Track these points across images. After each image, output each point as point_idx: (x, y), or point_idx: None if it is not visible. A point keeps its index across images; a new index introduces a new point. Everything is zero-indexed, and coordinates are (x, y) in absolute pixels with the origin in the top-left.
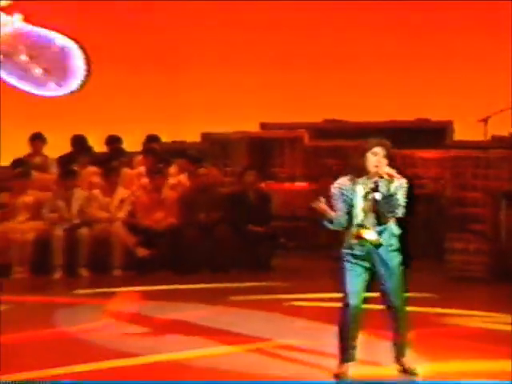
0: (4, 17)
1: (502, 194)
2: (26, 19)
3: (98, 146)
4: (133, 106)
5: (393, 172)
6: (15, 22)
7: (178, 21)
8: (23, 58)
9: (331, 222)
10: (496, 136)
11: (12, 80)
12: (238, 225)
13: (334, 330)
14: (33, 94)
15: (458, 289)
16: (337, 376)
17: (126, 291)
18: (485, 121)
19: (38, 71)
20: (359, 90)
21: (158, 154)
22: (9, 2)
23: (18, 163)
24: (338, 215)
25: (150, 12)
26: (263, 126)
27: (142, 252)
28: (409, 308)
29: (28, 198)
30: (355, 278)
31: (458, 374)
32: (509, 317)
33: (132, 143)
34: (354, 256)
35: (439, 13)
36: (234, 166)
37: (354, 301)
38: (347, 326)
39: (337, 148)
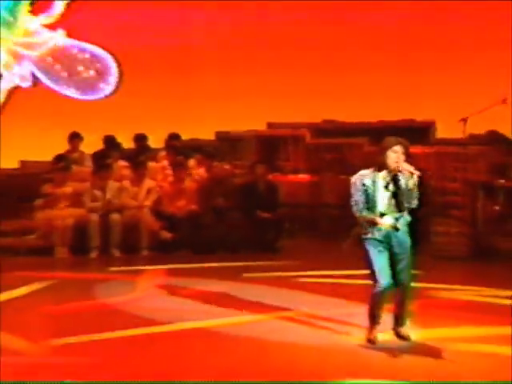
0: (49, 32)
1: (479, 185)
2: (68, 34)
3: (127, 143)
4: (156, 108)
5: (411, 169)
6: (58, 37)
7: (194, 32)
8: (65, 67)
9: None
10: (473, 134)
11: (56, 87)
12: (249, 211)
13: (334, 301)
14: (73, 99)
15: (441, 266)
16: (370, 340)
17: (152, 269)
18: (464, 121)
19: (77, 79)
20: (353, 94)
21: (179, 149)
22: (52, 19)
23: (59, 158)
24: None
25: (169, 24)
26: (270, 125)
27: (165, 235)
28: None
29: (68, 188)
30: (381, 259)
31: (444, 339)
32: (486, 290)
33: (156, 141)
34: (377, 239)
35: (425, 27)
36: (244, 160)
37: (384, 278)
38: (379, 300)
39: (334, 145)
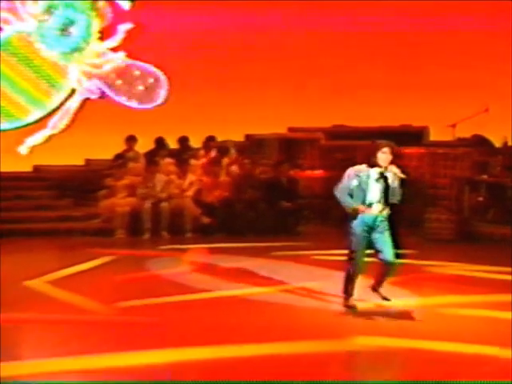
0: (112, 54)
1: (465, 180)
2: (128, 55)
3: (173, 144)
4: (196, 115)
5: (398, 171)
6: (120, 58)
7: (227, 46)
8: (125, 82)
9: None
10: (461, 138)
11: (117, 98)
12: (274, 201)
13: (342, 275)
14: (131, 108)
15: (433, 247)
16: (349, 306)
17: (194, 248)
18: (453, 126)
19: (134, 91)
20: (360, 105)
21: (215, 149)
22: (115, 44)
23: (118, 157)
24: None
25: (202, 40)
26: (290, 129)
27: (205, 220)
28: (397, 261)
29: (125, 181)
30: (361, 241)
31: (437, 305)
32: (470, 266)
33: (196, 142)
34: (363, 224)
35: (420, 45)
36: (269, 159)
37: (358, 256)
38: (353, 274)
39: (344, 146)
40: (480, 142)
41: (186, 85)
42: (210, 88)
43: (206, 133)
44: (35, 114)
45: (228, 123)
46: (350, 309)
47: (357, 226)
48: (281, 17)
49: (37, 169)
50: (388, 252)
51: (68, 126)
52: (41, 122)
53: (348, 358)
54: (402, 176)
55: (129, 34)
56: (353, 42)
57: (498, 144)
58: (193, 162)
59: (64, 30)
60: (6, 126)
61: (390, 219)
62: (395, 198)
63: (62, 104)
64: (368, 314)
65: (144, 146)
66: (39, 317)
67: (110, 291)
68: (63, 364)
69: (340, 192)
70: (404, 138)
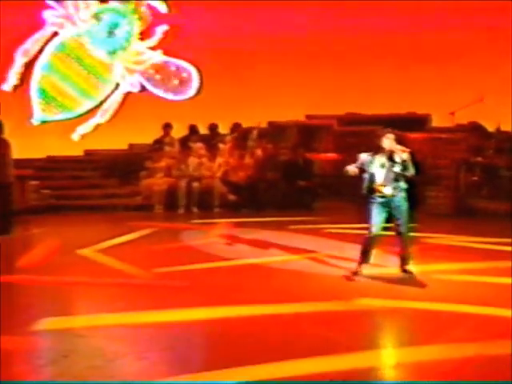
0: (151, 52)
1: (462, 161)
2: (165, 53)
3: (204, 130)
4: (223, 105)
5: (402, 147)
6: (158, 55)
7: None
8: (162, 77)
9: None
10: (459, 124)
11: (155, 91)
12: (292, 180)
13: (355, 247)
14: (167, 99)
15: (433, 221)
16: (354, 273)
17: (222, 222)
18: (452, 114)
19: (170, 85)
20: (370, 93)
21: (241, 134)
22: (154, 43)
23: (156, 142)
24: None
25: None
26: (308, 116)
27: (231, 197)
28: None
29: (162, 163)
30: (377, 216)
31: (432, 271)
32: (467, 237)
33: (224, 128)
34: (378, 202)
35: (425, 40)
36: (288, 143)
37: (374, 230)
38: (368, 245)
39: (355, 132)
40: (475, 128)
41: (216, 78)
42: (236, 80)
43: (232, 120)
44: (85, 106)
45: (252, 111)
46: (356, 274)
47: (373, 202)
48: (300, 15)
49: (87, 153)
50: (402, 226)
51: (113, 116)
52: (90, 113)
53: (351, 316)
54: (407, 150)
55: (165, 34)
56: (364, 38)
57: (491, 129)
58: (221, 146)
59: (110, 32)
60: (61, 116)
61: (407, 195)
62: (409, 172)
63: (108, 97)
64: (372, 279)
65: (179, 132)
66: (90, 280)
67: (148, 259)
68: (109, 319)
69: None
70: (409, 124)
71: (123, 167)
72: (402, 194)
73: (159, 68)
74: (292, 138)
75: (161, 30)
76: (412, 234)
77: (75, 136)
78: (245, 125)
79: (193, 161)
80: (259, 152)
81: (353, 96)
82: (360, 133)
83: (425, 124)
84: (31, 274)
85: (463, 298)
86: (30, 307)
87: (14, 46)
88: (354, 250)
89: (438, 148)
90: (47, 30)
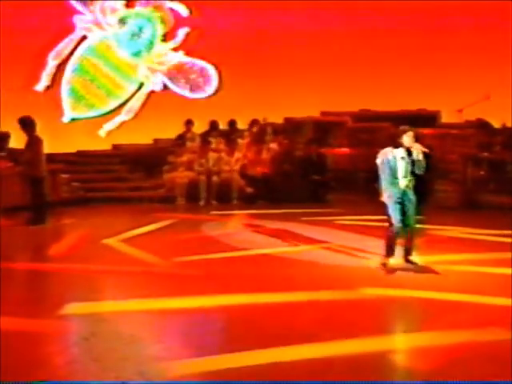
0: (173, 53)
1: (470, 157)
2: (186, 53)
3: (223, 126)
4: (242, 102)
5: (420, 146)
6: (179, 56)
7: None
8: (183, 76)
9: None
10: (467, 120)
11: (177, 89)
12: (306, 174)
13: (364, 237)
14: (188, 97)
15: (441, 213)
16: (384, 264)
17: (240, 213)
18: (460, 111)
19: (191, 84)
20: (382, 91)
21: (259, 130)
22: (176, 45)
23: (178, 137)
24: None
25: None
26: (322, 113)
27: (249, 190)
28: (417, 226)
29: (184, 158)
30: (397, 209)
31: (435, 262)
32: (473, 229)
33: (243, 124)
34: (396, 195)
35: (436, 42)
36: (304, 139)
37: (398, 223)
38: (393, 237)
39: (367, 128)
40: (482, 125)
41: (235, 77)
42: (254, 79)
43: (250, 117)
44: (112, 104)
45: (270, 108)
46: (385, 266)
47: (391, 196)
48: (316, 17)
49: (115, 147)
50: (410, 218)
51: (138, 113)
52: (116, 111)
53: (356, 304)
54: (426, 150)
55: (187, 36)
56: (377, 39)
57: (497, 126)
58: (239, 141)
59: (135, 35)
60: (89, 114)
61: (416, 190)
62: (420, 170)
63: (132, 95)
64: (377, 270)
65: (200, 127)
66: (112, 268)
67: (168, 248)
68: (129, 305)
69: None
70: (420, 120)
71: (148, 161)
72: (412, 188)
73: (180, 68)
74: (308, 134)
75: (182, 31)
76: (418, 226)
77: (102, 132)
78: (262, 121)
79: (212, 156)
80: (276, 147)
81: (366, 94)
82: (372, 129)
83: (435, 120)
84: (60, 262)
85: (463, 288)
86: (57, 293)
87: (46, 50)
88: (365, 241)
89: (447, 143)
90: (77, 34)
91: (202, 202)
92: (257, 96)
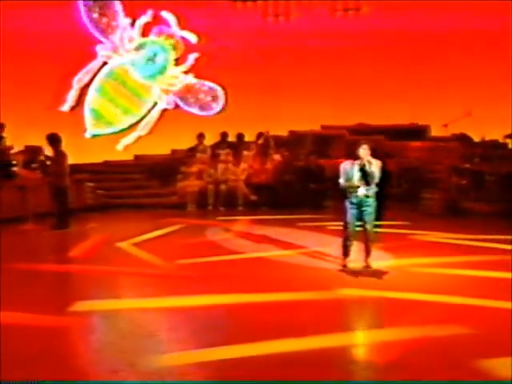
0: (184, 76)
1: (453, 168)
2: (196, 76)
3: (232, 138)
4: (249, 116)
5: (371, 159)
6: (189, 78)
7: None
8: (193, 96)
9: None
10: (453, 134)
11: (188, 108)
12: (306, 183)
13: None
14: (198, 115)
15: (424, 219)
16: (344, 266)
17: (244, 219)
18: (445, 126)
19: (200, 102)
20: (378, 107)
21: (263, 143)
22: (187, 68)
23: (190, 149)
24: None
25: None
26: (323, 127)
27: (253, 197)
28: (392, 230)
29: (194, 168)
30: (352, 214)
31: (410, 265)
32: (455, 235)
33: (249, 137)
34: (352, 202)
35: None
36: (305, 150)
37: (351, 227)
38: (347, 239)
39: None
40: (464, 139)
41: (242, 94)
42: (260, 96)
43: (256, 130)
44: (128, 121)
45: (276, 122)
46: (345, 267)
47: (349, 203)
48: (314, 37)
49: (136, 157)
50: (368, 222)
51: (152, 129)
52: (133, 127)
53: (334, 303)
54: (378, 161)
55: (196, 60)
56: (375, 59)
57: (477, 139)
58: (245, 152)
59: (150, 60)
60: (108, 131)
61: (378, 197)
62: (374, 181)
63: (147, 113)
64: (355, 272)
65: (212, 140)
66: (122, 269)
67: (173, 251)
68: (140, 303)
69: (341, 182)
70: (411, 133)
71: (164, 170)
72: (373, 196)
73: (191, 88)
74: (308, 146)
75: (192, 56)
76: (376, 231)
77: (119, 146)
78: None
79: (221, 166)
80: (279, 158)
81: (363, 109)
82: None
83: (424, 134)
84: (76, 264)
85: (428, 288)
86: (71, 292)
87: (71, 75)
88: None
89: (435, 155)
90: (98, 61)
91: (210, 208)
92: (264, 111)
